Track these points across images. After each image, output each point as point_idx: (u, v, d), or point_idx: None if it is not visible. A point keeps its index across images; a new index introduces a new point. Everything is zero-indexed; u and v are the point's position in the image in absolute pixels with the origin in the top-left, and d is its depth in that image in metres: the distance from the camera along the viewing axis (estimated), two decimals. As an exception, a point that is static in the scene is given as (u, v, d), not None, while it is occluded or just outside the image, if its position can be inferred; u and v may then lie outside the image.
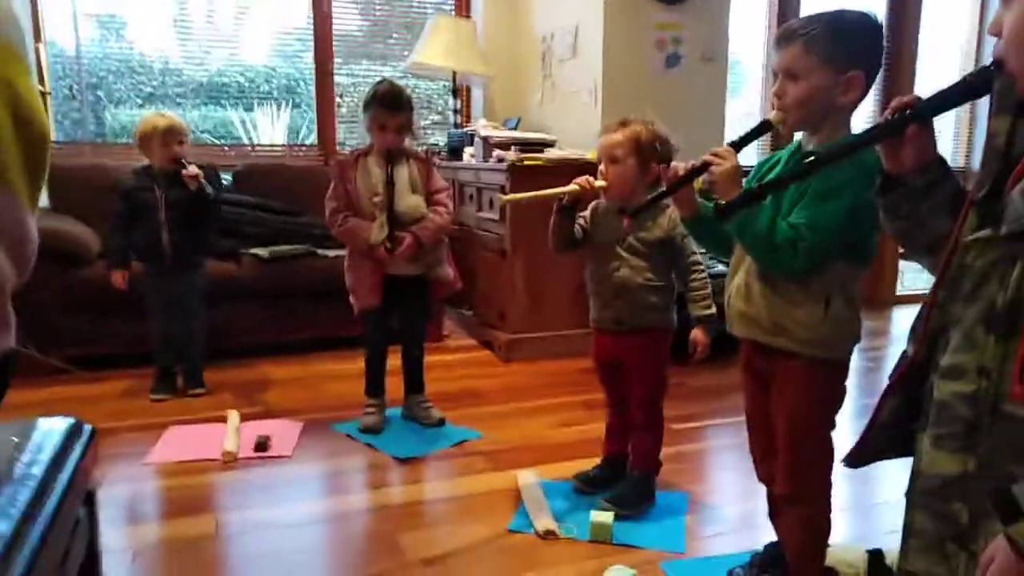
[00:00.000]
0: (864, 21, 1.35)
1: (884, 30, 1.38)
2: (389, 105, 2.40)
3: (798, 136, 1.49)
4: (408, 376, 2.66)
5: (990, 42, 0.81)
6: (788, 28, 1.37)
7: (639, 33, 3.53)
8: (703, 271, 1.95)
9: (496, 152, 3.47)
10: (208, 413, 2.71)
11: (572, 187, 1.89)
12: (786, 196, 1.37)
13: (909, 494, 0.85)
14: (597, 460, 2.17)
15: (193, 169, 2.72)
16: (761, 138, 1.55)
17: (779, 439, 1.48)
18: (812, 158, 1.04)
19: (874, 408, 0.91)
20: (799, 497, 1.48)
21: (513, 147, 3.46)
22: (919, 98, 0.86)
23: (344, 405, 2.74)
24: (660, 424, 2.05)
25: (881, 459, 0.93)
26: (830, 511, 1.50)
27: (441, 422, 2.60)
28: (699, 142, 3.43)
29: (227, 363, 3.17)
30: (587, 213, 2.02)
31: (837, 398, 1.46)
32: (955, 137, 4.72)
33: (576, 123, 3.66)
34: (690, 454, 2.43)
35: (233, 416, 2.59)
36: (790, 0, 4.06)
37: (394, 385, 2.67)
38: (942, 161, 0.89)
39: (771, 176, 1.46)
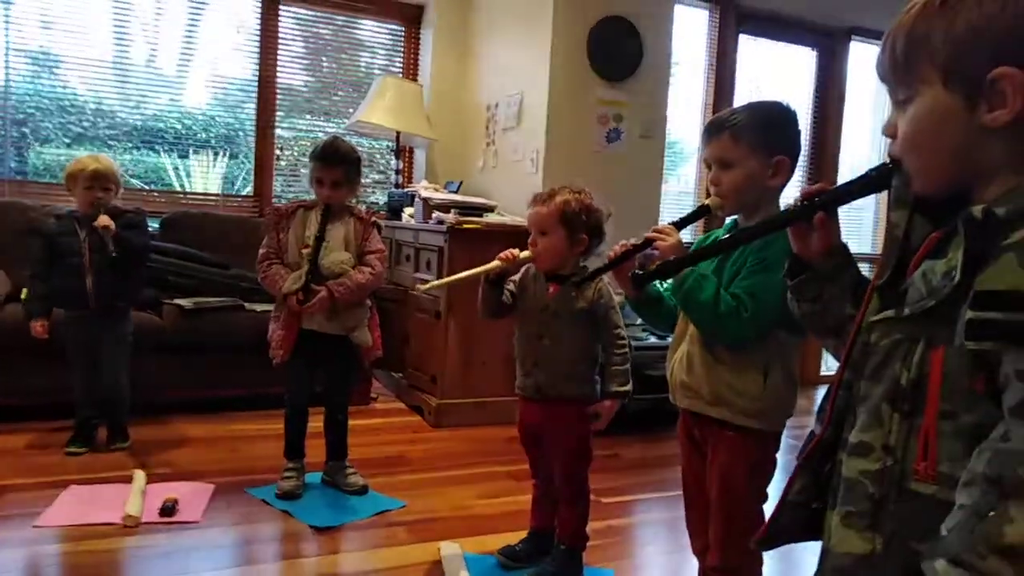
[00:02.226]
0: (782, 109, 1.47)
1: (799, 117, 1.50)
2: (326, 159, 2.39)
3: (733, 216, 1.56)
4: (330, 440, 2.56)
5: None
6: (715, 121, 1.47)
7: (582, 107, 3.62)
8: (625, 346, 1.95)
9: (436, 214, 3.47)
10: (113, 472, 2.53)
11: (495, 264, 1.90)
12: (726, 270, 1.44)
13: (819, 574, 0.84)
14: (523, 533, 2.11)
15: (102, 220, 2.59)
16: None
17: (712, 509, 1.50)
18: (724, 238, 1.07)
19: (784, 487, 0.90)
20: (730, 569, 1.48)
21: (453, 210, 3.46)
22: (826, 188, 0.92)
23: (262, 468, 2.61)
24: (586, 497, 2.01)
25: (792, 540, 0.92)
26: None
27: (363, 489, 2.50)
28: (637, 217, 3.57)
29: (139, 419, 2.99)
30: (517, 278, 2.02)
31: (769, 469, 1.49)
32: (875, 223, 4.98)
33: (517, 190, 3.69)
34: (619, 528, 2.39)
35: (139, 476, 2.43)
36: (724, 84, 4.25)
37: (317, 448, 2.56)
38: (845, 248, 0.94)
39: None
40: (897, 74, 0.79)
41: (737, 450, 1.45)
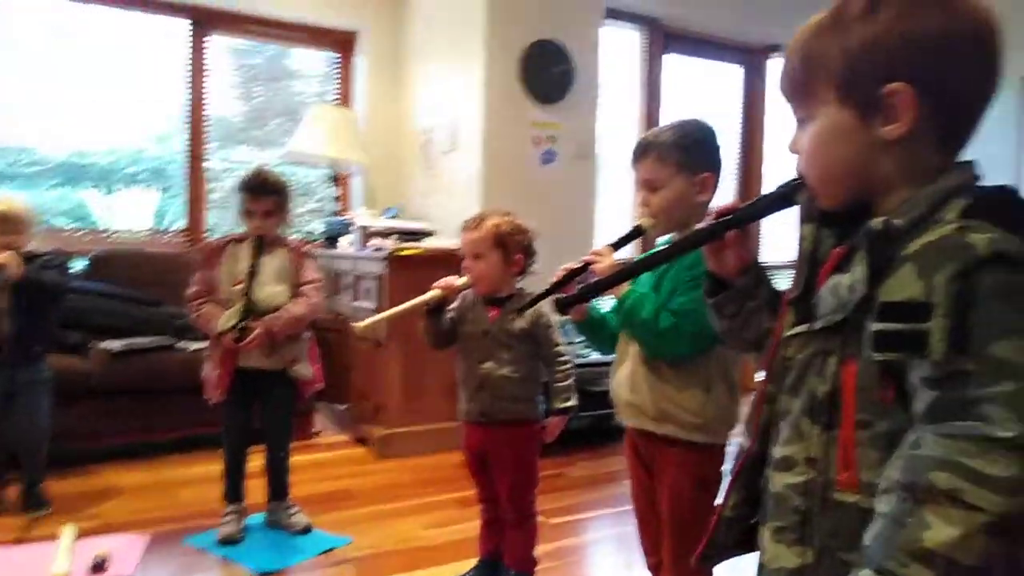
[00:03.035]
0: (703, 127, 1.51)
1: (723, 134, 1.52)
2: (254, 190, 2.34)
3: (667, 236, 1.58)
4: (271, 480, 2.48)
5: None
6: (640, 144, 1.51)
7: (517, 129, 3.65)
8: (566, 363, 1.97)
9: (374, 241, 3.43)
10: (38, 531, 2.40)
11: (433, 294, 1.90)
12: (663, 288, 1.47)
13: None
14: (473, 561, 2.07)
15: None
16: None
17: (663, 526, 1.50)
18: (639, 259, 1.08)
19: (720, 503, 0.91)
20: None
21: (391, 236, 3.43)
22: (736, 206, 0.93)
23: (199, 514, 2.51)
24: (532, 520, 2.00)
25: (731, 555, 0.92)
26: None
27: (307, 529, 2.42)
28: (574, 236, 3.59)
29: (65, 471, 2.84)
30: (456, 305, 2.01)
31: (716, 481, 1.50)
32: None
33: (456, 214, 3.62)
34: (570, 549, 2.37)
35: (67, 533, 2.30)
36: (654, 103, 4.34)
37: (258, 489, 2.48)
38: (759, 264, 0.95)
39: (653, 272, 1.52)
40: (795, 93, 0.81)
41: (685, 466, 1.46)
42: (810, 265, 0.83)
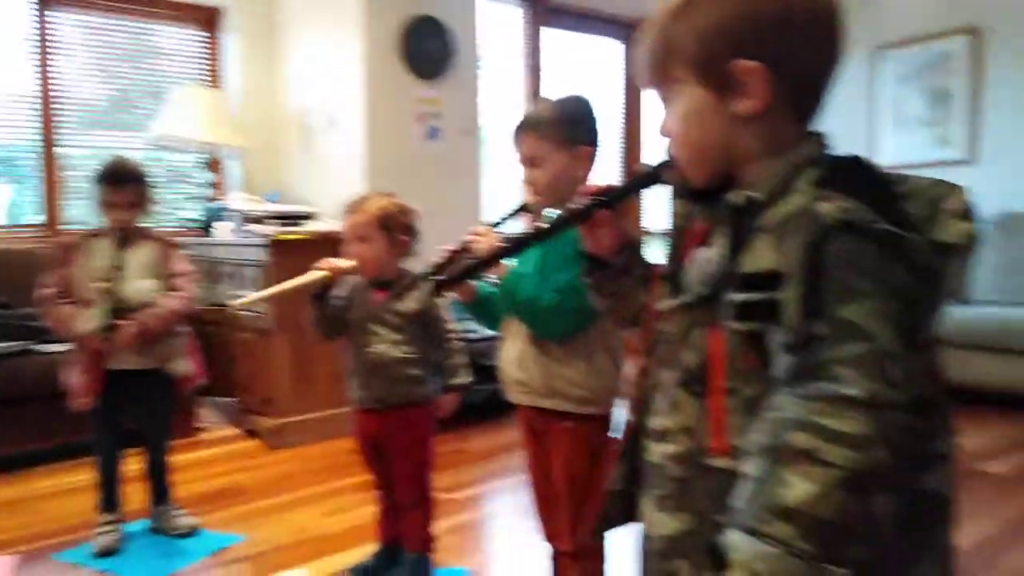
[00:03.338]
0: (580, 101, 1.52)
1: (601, 107, 1.54)
2: (113, 181, 2.18)
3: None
4: (152, 483, 2.35)
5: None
6: (522, 121, 1.50)
7: (399, 106, 3.57)
8: (458, 339, 1.96)
9: (253, 227, 3.29)
10: None
11: (317, 275, 1.84)
12: (548, 265, 1.47)
13: (640, 558, 0.86)
14: (374, 547, 2.04)
15: None
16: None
17: (560, 498, 1.52)
18: (513, 238, 1.08)
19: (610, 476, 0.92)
20: (582, 553, 1.51)
21: (272, 221, 3.30)
22: (608, 186, 0.94)
23: (71, 528, 2.34)
24: (429, 500, 1.99)
25: (621, 525, 0.93)
26: (604, 563, 1.53)
27: (194, 530, 2.31)
28: (461, 213, 3.57)
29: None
30: (343, 292, 1.96)
31: (610, 450, 1.51)
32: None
33: (339, 195, 3.53)
34: (471, 524, 2.38)
35: (-81, 558, 2.10)
36: (537, 79, 4.35)
37: (139, 495, 2.34)
38: (634, 242, 0.97)
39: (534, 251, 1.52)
40: (656, 75, 0.82)
41: (577, 438, 1.48)
42: (681, 240, 0.85)
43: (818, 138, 0.77)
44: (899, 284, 0.65)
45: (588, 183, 1.48)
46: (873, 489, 0.62)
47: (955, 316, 3.51)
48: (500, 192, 4.32)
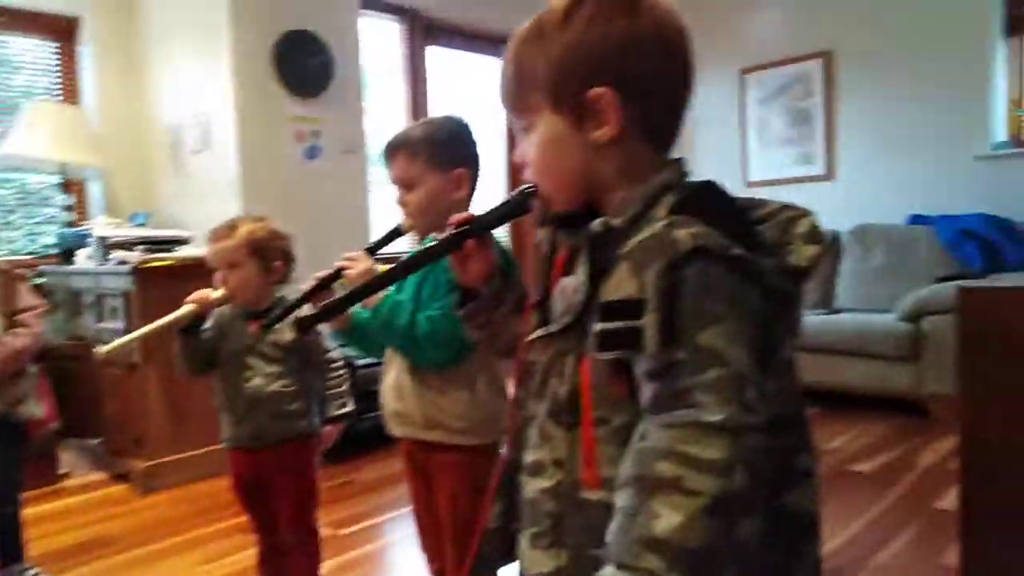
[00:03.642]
0: (454, 122, 1.49)
1: (472, 130, 1.51)
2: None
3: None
4: (1, 542, 2.12)
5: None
6: (390, 143, 1.46)
7: (275, 125, 3.45)
8: (340, 367, 1.89)
9: (117, 253, 3.07)
10: None
11: (187, 309, 1.73)
12: (424, 291, 1.43)
13: None
14: (254, 595, 1.92)
15: None
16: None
17: (445, 532, 1.47)
18: (384, 271, 1.03)
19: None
20: None
21: (138, 246, 3.09)
22: (474, 216, 0.92)
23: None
24: (315, 539, 1.89)
25: (499, 566, 0.91)
26: None
27: (51, 590, 2.11)
28: (346, 234, 3.48)
29: None
30: (213, 323, 1.85)
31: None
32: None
33: (213, 218, 3.34)
34: (361, 559, 2.30)
35: None
36: (420, 96, 4.31)
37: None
38: (504, 270, 0.96)
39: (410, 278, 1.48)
40: (513, 102, 0.81)
41: (459, 470, 1.44)
42: (548, 268, 0.83)
43: (676, 164, 0.78)
44: (753, 307, 0.66)
45: (464, 208, 1.47)
46: (738, 513, 0.62)
47: (819, 323, 3.74)
48: (390, 212, 4.25)
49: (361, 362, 3.03)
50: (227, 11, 3.29)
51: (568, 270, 0.78)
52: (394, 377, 1.48)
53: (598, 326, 0.69)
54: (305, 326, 1.07)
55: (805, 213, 0.73)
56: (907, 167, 4.23)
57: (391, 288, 1.52)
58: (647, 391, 0.67)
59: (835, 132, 4.51)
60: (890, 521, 2.35)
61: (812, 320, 3.78)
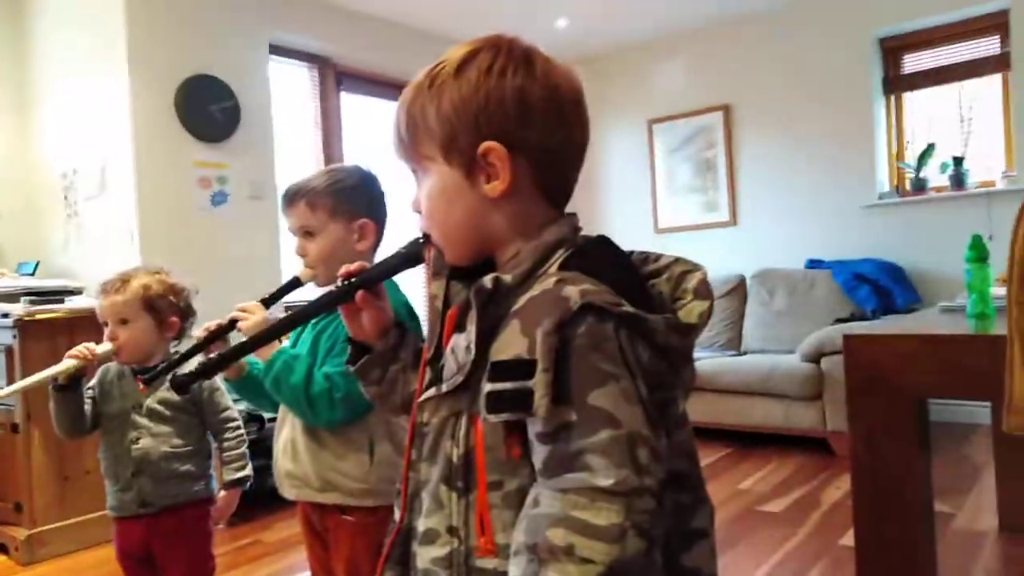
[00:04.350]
0: (358, 172, 1.46)
1: (378, 180, 1.49)
2: None
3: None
4: None
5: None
6: (290, 190, 1.42)
7: (178, 171, 3.33)
8: (238, 427, 1.79)
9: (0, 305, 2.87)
10: None
11: (68, 363, 1.62)
12: (321, 346, 1.38)
13: None
14: None
15: None
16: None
17: None
18: (272, 324, 0.99)
19: None
20: None
21: (24, 298, 2.89)
22: (365, 266, 0.90)
23: None
24: (210, 610, 1.76)
25: None
26: None
27: None
28: (255, 283, 3.36)
29: None
30: (95, 381, 1.75)
31: None
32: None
33: (109, 268, 3.19)
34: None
35: None
36: (332, 142, 4.27)
37: None
38: (400, 324, 0.93)
39: (313, 328, 1.44)
40: (405, 151, 0.80)
41: (358, 534, 1.37)
42: (441, 323, 0.81)
43: (569, 220, 0.78)
44: (644, 365, 0.66)
45: (368, 259, 1.44)
46: None
47: (728, 364, 3.85)
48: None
49: (270, 415, 2.91)
50: (126, 53, 3.19)
51: (460, 326, 0.77)
52: (287, 435, 1.41)
53: (488, 387, 0.67)
54: (181, 384, 0.99)
55: (696, 268, 0.74)
56: (803, 214, 4.46)
57: (285, 341, 1.47)
58: (539, 454, 0.66)
59: (737, 181, 4.72)
60: (799, 560, 2.40)
61: (721, 361, 3.89)
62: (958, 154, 4.02)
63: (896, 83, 4.32)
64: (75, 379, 1.65)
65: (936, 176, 4.13)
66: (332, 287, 0.89)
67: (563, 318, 0.64)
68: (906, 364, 1.42)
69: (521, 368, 0.65)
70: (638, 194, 5.03)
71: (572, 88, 0.78)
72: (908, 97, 4.33)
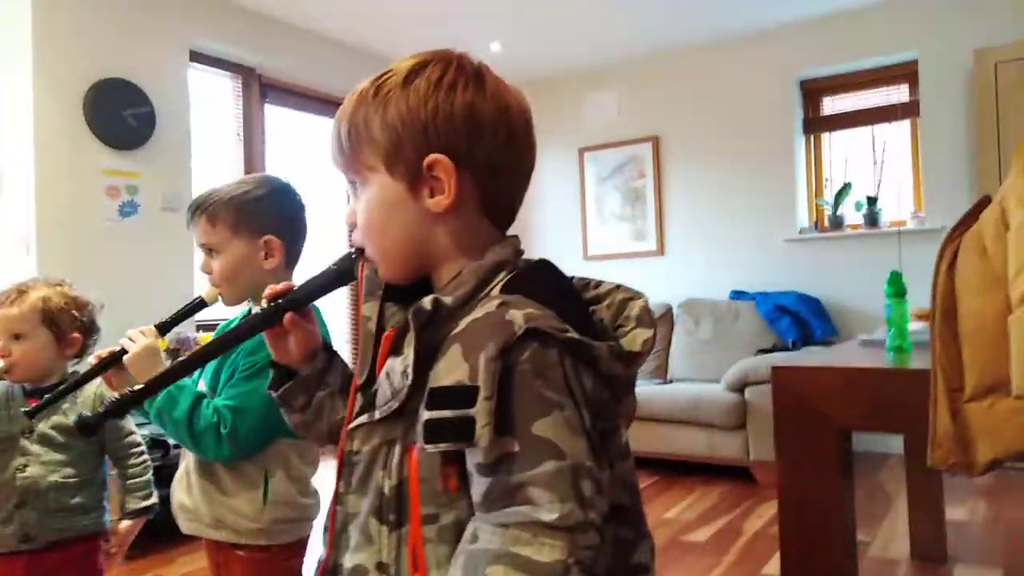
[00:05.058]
0: (267, 184, 1.36)
1: (290, 193, 1.39)
2: None
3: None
4: None
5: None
6: (193, 204, 1.34)
7: (83, 178, 3.12)
8: (142, 452, 1.67)
9: None
10: None
11: None
12: (223, 375, 1.30)
13: None
14: None
15: None
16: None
17: None
18: (180, 360, 0.89)
19: None
20: None
21: (-100, 310, 2.63)
22: (292, 286, 0.85)
23: None
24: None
25: None
26: None
27: None
28: (167, 297, 3.18)
29: None
30: None
31: None
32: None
33: (4, 278, 2.98)
34: None
35: None
36: (255, 154, 4.11)
37: None
38: (328, 347, 0.89)
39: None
40: (345, 161, 0.76)
41: (251, 570, 1.29)
42: (374, 345, 0.77)
43: (511, 241, 0.76)
44: (588, 393, 0.64)
45: (278, 278, 1.35)
46: None
47: (655, 393, 3.86)
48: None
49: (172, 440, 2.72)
50: (30, 50, 2.99)
51: (396, 349, 0.72)
52: (184, 466, 1.33)
53: (426, 415, 0.63)
54: (88, 427, 0.88)
55: (637, 295, 0.74)
56: (727, 246, 4.56)
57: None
58: (479, 486, 0.62)
59: (665, 211, 4.80)
60: (724, 590, 2.39)
61: (649, 390, 3.91)
62: (872, 194, 4.20)
63: (815, 123, 4.50)
64: None
65: (852, 213, 4.30)
66: (256, 309, 0.83)
67: (507, 343, 0.61)
68: (832, 396, 1.43)
69: (462, 395, 0.61)
70: (568, 220, 5.05)
71: (522, 110, 0.76)
72: (826, 137, 4.52)
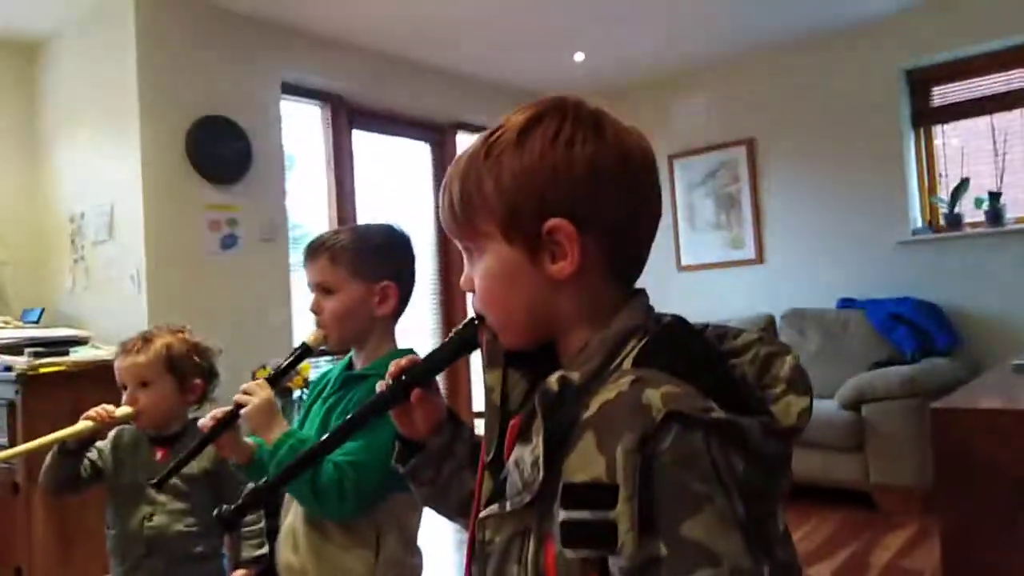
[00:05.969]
0: (388, 233, 1.37)
1: (410, 243, 1.40)
2: None
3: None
4: None
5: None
6: (313, 243, 1.34)
7: (187, 214, 3.22)
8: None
9: (2, 357, 2.74)
10: None
11: (82, 426, 1.51)
12: (331, 427, 1.25)
13: None
14: None
15: None
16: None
17: None
18: (315, 444, 0.84)
19: None
20: None
21: (28, 349, 2.77)
22: (417, 360, 0.80)
23: None
24: None
25: None
26: None
27: None
28: (267, 329, 3.25)
29: None
30: (105, 444, 1.63)
31: None
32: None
33: (117, 314, 3.10)
34: None
35: None
36: (344, 180, 4.15)
37: None
38: (454, 417, 0.84)
39: (323, 403, 1.33)
40: (459, 227, 0.72)
41: None
42: (501, 421, 0.71)
43: (639, 300, 0.70)
44: (740, 479, 0.58)
45: (386, 325, 1.33)
46: None
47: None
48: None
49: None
50: (136, 95, 3.10)
51: (524, 434, 0.66)
52: (289, 522, 1.30)
53: (563, 515, 0.58)
54: (230, 522, 0.83)
55: (785, 349, 0.66)
56: (833, 252, 4.30)
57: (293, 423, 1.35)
58: None
59: (763, 217, 4.58)
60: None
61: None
62: (993, 189, 3.89)
63: (925, 115, 4.20)
64: (88, 440, 1.56)
65: (971, 211, 3.99)
66: (382, 386, 0.79)
67: (646, 432, 0.56)
68: (1007, 443, 1.26)
69: (600, 494, 0.56)
70: (659, 230, 4.88)
71: (644, 154, 0.71)
72: (938, 130, 4.22)
